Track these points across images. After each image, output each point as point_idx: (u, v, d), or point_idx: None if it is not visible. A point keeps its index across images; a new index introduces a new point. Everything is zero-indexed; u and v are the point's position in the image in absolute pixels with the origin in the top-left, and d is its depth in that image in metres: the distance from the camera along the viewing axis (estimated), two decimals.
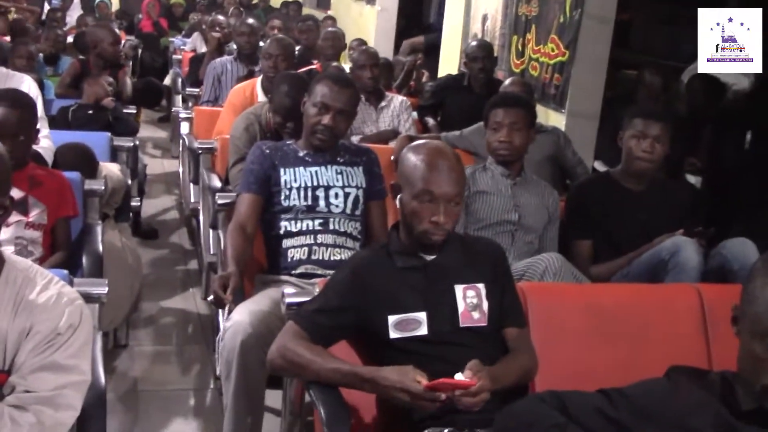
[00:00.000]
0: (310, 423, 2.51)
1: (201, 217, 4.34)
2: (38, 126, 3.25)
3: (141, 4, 11.29)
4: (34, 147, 3.32)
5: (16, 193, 3.07)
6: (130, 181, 4.25)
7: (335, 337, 2.39)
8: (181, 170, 5.33)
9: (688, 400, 1.68)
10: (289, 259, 3.12)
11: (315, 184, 3.19)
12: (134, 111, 5.40)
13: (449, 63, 7.34)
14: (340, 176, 3.24)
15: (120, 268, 3.64)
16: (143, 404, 3.51)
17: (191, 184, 4.84)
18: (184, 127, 5.31)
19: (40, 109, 3.50)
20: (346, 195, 3.22)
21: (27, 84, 3.55)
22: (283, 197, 3.17)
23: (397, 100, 5.15)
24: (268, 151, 3.23)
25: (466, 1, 7.01)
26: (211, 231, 3.94)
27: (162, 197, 6.36)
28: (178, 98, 7.27)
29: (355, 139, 4.79)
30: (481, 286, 2.40)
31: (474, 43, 5.49)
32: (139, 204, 4.63)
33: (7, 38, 6.92)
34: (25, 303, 1.81)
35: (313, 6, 12.94)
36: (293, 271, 3.11)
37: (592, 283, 3.16)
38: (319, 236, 3.14)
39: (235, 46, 6.49)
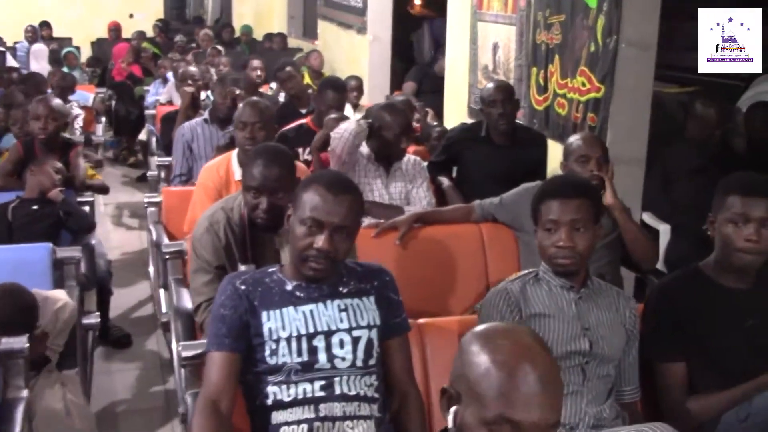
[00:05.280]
0: None
1: (174, 342, 3.42)
2: None
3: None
4: None
5: None
6: (77, 307, 3.35)
7: None
8: (151, 269, 4.44)
9: None
10: None
11: (311, 330, 2.31)
12: (91, 199, 4.51)
13: (455, 100, 6.47)
14: (344, 314, 2.36)
15: None
16: None
17: (161, 290, 3.94)
18: (151, 214, 4.39)
19: None
20: (355, 341, 2.34)
21: None
22: (268, 352, 2.29)
23: (408, 162, 4.24)
24: (243, 287, 2.35)
25: (471, 28, 6.13)
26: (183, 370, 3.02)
27: (137, 284, 5.44)
28: (155, 160, 6.37)
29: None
30: None
31: (490, 84, 4.58)
32: (98, 321, 3.72)
33: None
34: None
35: (299, 36, 12.06)
36: None
37: None
38: (321, 406, 2.26)
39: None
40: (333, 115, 4.59)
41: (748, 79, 5.31)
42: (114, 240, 6.59)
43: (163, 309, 3.87)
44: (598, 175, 3.41)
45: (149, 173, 6.16)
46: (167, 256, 3.57)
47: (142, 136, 7.88)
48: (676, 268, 4.07)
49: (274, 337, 2.29)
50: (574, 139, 3.60)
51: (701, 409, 2.58)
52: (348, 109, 6.45)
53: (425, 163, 4.51)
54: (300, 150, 4.80)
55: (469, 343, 1.57)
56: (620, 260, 3.65)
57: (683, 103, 5.71)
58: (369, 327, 2.37)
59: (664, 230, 4.49)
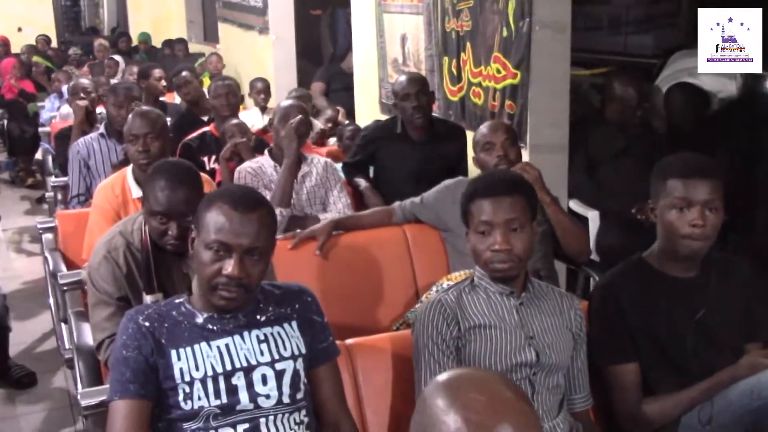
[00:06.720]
0: None
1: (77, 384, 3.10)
2: None
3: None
4: None
5: None
6: None
7: None
8: (51, 300, 4.09)
9: None
10: None
11: (228, 367, 2.04)
12: None
13: (366, 96, 6.24)
14: (265, 346, 2.10)
15: None
16: None
17: (62, 324, 3.59)
18: (47, 241, 4.03)
19: None
20: (279, 375, 2.08)
21: None
22: (181, 396, 2.01)
23: (319, 164, 3.97)
24: (147, 323, 2.06)
25: (377, 20, 5.90)
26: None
27: (41, 316, 5.06)
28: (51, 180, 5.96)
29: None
30: None
31: (403, 77, 4.35)
32: None
33: None
34: None
35: (200, 41, 11.66)
36: None
37: None
38: None
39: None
40: (234, 121, 4.36)
41: (663, 56, 5.20)
42: (15, 268, 6.19)
43: (66, 344, 3.53)
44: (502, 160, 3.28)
45: (47, 194, 5.77)
46: (65, 287, 3.24)
47: (39, 155, 7.44)
48: (608, 255, 3.94)
49: (187, 378, 2.01)
50: (479, 128, 3.47)
51: (659, 413, 2.40)
52: (256, 112, 6.19)
53: (338, 165, 4.27)
54: (205, 159, 4.52)
55: (434, 396, 1.29)
56: (553, 253, 3.48)
57: (596, 86, 5.59)
58: (293, 357, 2.12)
59: (593, 217, 4.33)
